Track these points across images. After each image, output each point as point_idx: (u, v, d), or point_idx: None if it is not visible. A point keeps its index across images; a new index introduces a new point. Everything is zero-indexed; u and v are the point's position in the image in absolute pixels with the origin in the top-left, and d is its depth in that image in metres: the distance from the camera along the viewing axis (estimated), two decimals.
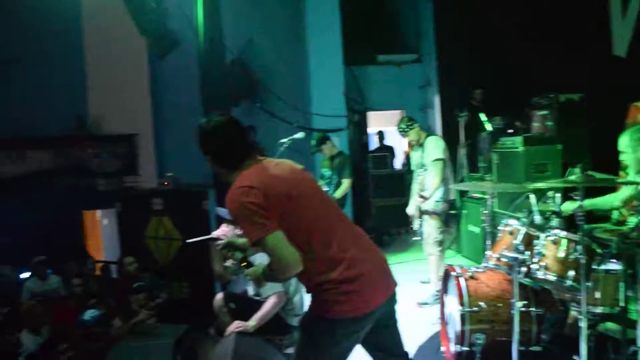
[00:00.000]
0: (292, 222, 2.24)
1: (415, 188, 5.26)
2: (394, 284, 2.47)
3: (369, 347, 2.53)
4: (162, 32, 6.78)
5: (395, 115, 10.31)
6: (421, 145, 5.17)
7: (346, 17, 8.48)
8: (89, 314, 4.78)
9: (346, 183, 6.11)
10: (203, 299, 6.02)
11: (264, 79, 8.87)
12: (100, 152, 8.77)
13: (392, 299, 2.46)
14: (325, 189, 6.23)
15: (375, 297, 2.33)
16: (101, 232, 10.31)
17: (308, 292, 2.43)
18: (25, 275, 6.68)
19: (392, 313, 2.52)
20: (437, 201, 5.04)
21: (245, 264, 2.51)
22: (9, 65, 8.80)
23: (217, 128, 2.41)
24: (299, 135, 6.09)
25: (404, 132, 5.20)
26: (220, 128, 2.42)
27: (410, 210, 5.27)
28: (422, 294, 5.29)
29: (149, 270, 6.12)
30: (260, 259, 3.62)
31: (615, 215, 5.25)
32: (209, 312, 5.74)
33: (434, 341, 4.17)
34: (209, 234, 4.90)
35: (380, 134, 9.64)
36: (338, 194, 6.09)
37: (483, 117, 5.66)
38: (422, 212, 5.13)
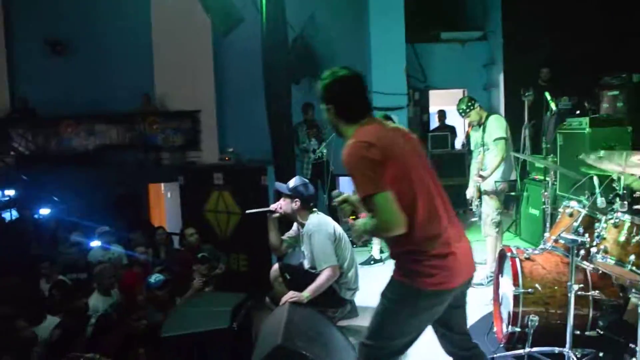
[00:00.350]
0: (401, 186, 2.25)
1: (474, 168, 5.17)
2: (474, 267, 2.51)
3: (436, 323, 2.54)
4: (226, 9, 6.87)
5: (457, 94, 10.10)
6: (482, 125, 5.04)
7: None
8: (154, 278, 5.03)
9: None
10: (259, 271, 6.22)
11: (325, 56, 8.87)
12: (165, 127, 9.08)
13: (469, 281, 2.49)
14: None
15: (460, 275, 2.37)
16: (164, 204, 10.75)
17: (393, 257, 2.47)
18: (94, 243, 7.09)
19: (464, 294, 2.55)
20: (496, 181, 4.93)
21: (354, 217, 2.54)
22: (79, 44, 9.25)
23: (345, 79, 2.44)
24: None
25: (464, 113, 5.07)
26: (348, 79, 2.45)
27: (470, 192, 5.18)
28: (477, 275, 5.23)
29: (209, 242, 6.34)
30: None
31: None
32: (264, 284, 5.94)
33: (487, 321, 4.14)
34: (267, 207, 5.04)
35: (442, 113, 9.46)
36: None
37: (548, 96, 5.45)
38: (481, 193, 5.04)
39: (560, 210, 3.62)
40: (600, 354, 3.39)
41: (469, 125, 5.34)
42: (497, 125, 4.94)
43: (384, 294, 2.47)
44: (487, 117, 5.01)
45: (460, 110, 5.08)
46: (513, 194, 6.37)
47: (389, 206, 2.19)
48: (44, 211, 8.31)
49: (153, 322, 4.58)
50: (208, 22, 7.80)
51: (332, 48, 8.93)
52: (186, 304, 4.28)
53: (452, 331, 2.58)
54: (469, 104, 5.01)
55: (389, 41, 8.28)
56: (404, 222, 2.22)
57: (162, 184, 10.38)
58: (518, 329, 3.52)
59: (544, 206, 4.66)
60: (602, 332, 3.55)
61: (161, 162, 9.17)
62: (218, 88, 8.94)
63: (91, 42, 9.18)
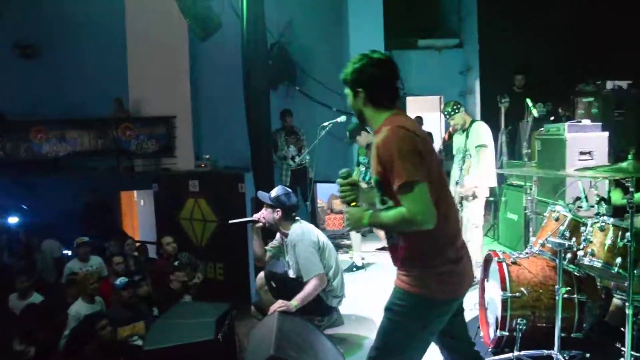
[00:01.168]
0: (431, 183, 2.16)
1: (455, 173, 5.21)
2: (473, 272, 2.50)
3: (440, 334, 2.45)
4: (205, 15, 6.80)
5: (434, 100, 10.21)
6: (465, 130, 5.11)
7: (388, 0, 8.39)
8: (120, 280, 4.96)
9: None
10: (236, 281, 6.14)
11: (303, 62, 8.86)
12: (139, 133, 8.90)
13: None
14: (363, 175, 6.26)
15: (467, 281, 2.35)
16: (137, 212, 10.54)
17: (401, 262, 2.32)
18: (68, 252, 6.88)
19: (462, 301, 2.50)
20: (477, 187, 4.98)
21: (354, 204, 2.36)
22: (51, 48, 9.01)
23: (381, 62, 2.33)
24: (341, 118, 6.10)
25: (449, 115, 5.14)
26: (384, 63, 2.34)
27: None
28: None
29: (185, 250, 6.23)
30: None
31: None
32: (242, 293, 5.86)
33: (473, 326, 4.14)
34: (245, 217, 4.97)
35: (419, 119, 9.53)
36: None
37: (529, 102, 5.53)
38: (462, 198, 5.08)
39: (546, 214, 3.66)
40: (587, 355, 3.43)
41: (452, 129, 5.39)
42: (479, 132, 5.01)
43: (389, 308, 2.35)
44: (471, 123, 5.09)
45: (446, 113, 5.16)
46: (491, 199, 6.43)
47: (426, 197, 2.10)
48: (13, 219, 8.07)
49: (116, 319, 4.54)
50: (185, 26, 7.70)
51: (310, 54, 8.93)
52: (168, 316, 4.16)
53: (456, 339, 2.54)
54: (455, 107, 5.11)
55: (368, 47, 8.28)
56: (436, 218, 2.12)
57: (135, 192, 10.17)
58: (506, 333, 3.53)
59: (526, 211, 4.71)
60: (587, 334, 3.61)
61: (134, 168, 8.98)
62: (194, 94, 8.81)
63: (63, 46, 8.95)
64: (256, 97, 6.30)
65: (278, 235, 4.27)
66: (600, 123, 5.48)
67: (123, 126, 8.78)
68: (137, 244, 7.52)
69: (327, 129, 5.93)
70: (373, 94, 2.33)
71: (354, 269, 6.00)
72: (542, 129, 5.86)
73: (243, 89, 6.34)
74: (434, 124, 10.55)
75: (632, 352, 3.04)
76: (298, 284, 3.87)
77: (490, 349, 3.67)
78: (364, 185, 2.61)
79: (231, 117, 7.63)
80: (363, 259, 6.36)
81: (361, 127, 6.25)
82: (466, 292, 2.38)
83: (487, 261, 3.90)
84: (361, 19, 8.38)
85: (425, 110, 10.31)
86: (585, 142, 5.20)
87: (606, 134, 5.21)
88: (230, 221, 4.38)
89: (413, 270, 2.29)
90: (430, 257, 2.25)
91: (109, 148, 8.88)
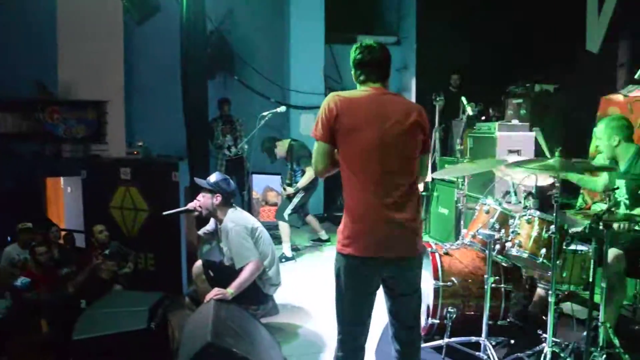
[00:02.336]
0: (343, 150, 2.55)
1: None
2: (408, 250, 2.57)
3: (389, 314, 2.68)
4: None
5: None
6: None
7: None
8: (20, 281, 4.72)
9: (309, 171, 6.14)
10: (168, 271, 6.02)
11: (242, 52, 8.76)
12: (68, 117, 8.50)
13: (403, 264, 2.56)
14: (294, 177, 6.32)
15: (362, 244, 2.51)
16: (64, 200, 10.08)
17: (416, 225, 2.62)
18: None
19: (406, 282, 2.61)
20: None
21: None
22: None
23: (364, 48, 2.70)
24: (281, 109, 6.11)
25: None
26: (365, 48, 2.70)
27: None
28: None
29: (115, 240, 6.04)
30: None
31: (579, 202, 5.46)
32: (173, 283, 5.75)
33: None
34: (179, 206, 4.88)
35: None
36: (301, 183, 6.18)
37: (464, 101, 5.75)
38: None
39: (477, 207, 3.81)
40: (512, 341, 3.61)
41: None
42: None
43: (419, 287, 2.70)
44: None
45: None
46: (424, 193, 6.62)
47: (317, 153, 2.63)
48: None
49: None
50: (120, 8, 7.41)
51: (250, 44, 8.84)
52: (99, 305, 4.01)
53: (403, 325, 2.68)
54: None
55: (308, 40, 8.36)
56: (320, 172, 2.67)
57: (62, 178, 9.71)
58: (437, 321, 3.67)
59: (457, 204, 4.89)
60: (512, 321, 3.81)
61: (61, 154, 8.57)
62: (129, 78, 8.49)
63: None
64: (193, 85, 6.17)
65: (212, 220, 4.23)
66: (528, 123, 5.78)
67: (50, 109, 8.36)
68: (64, 233, 7.20)
69: (267, 118, 5.92)
70: (354, 75, 2.73)
71: (283, 259, 6.02)
72: (474, 127, 6.11)
73: (180, 76, 6.19)
74: None
75: (553, 339, 3.22)
76: (235, 272, 3.84)
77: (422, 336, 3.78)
78: (291, 191, 2.91)
79: (167, 104, 7.45)
80: (297, 249, 6.40)
81: (271, 142, 6.34)
82: (380, 260, 2.53)
83: None
84: (302, 12, 8.40)
85: None
86: (514, 140, 5.47)
87: (533, 133, 5.50)
88: (165, 212, 4.30)
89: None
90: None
91: (35, 132, 8.42)
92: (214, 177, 4.11)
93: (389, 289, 2.62)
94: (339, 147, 2.56)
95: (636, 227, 3.36)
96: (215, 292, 3.62)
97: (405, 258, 2.56)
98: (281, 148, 6.32)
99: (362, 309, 2.61)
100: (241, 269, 3.82)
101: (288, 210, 6.13)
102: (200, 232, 4.29)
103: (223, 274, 3.95)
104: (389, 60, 2.73)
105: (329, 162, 2.60)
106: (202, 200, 4.08)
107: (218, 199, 4.03)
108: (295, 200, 6.16)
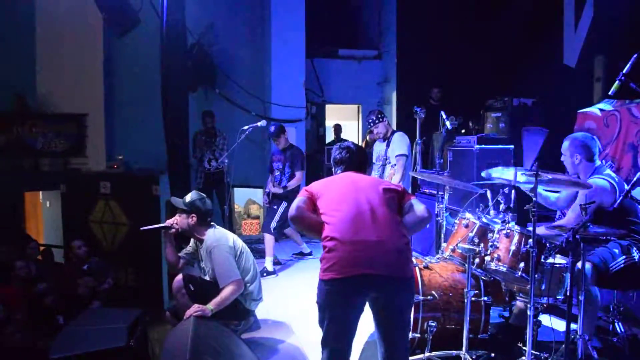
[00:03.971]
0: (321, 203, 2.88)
1: None
2: (391, 270, 2.70)
3: (378, 336, 2.82)
4: (122, 10, 6.55)
5: (352, 109, 10.43)
6: (386, 139, 5.35)
7: (310, 8, 8.51)
8: None
9: (298, 175, 6.17)
10: (149, 286, 5.96)
11: (224, 65, 8.76)
12: (46, 131, 8.41)
13: (387, 287, 2.70)
14: (278, 180, 6.28)
15: (337, 268, 2.66)
16: (42, 214, 9.93)
17: (403, 251, 2.81)
18: None
19: (392, 305, 2.75)
20: None
21: None
22: None
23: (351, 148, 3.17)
24: (261, 123, 6.10)
25: (373, 123, 5.38)
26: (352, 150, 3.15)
27: None
28: None
29: (95, 255, 5.97)
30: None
31: (557, 214, 5.53)
32: (155, 298, 5.69)
33: None
34: (159, 220, 4.85)
35: (338, 127, 9.72)
36: (291, 184, 6.15)
37: (443, 115, 5.82)
38: None
39: (456, 221, 3.84)
40: (492, 355, 3.63)
41: (370, 137, 5.58)
42: (401, 142, 5.25)
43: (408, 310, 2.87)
44: (392, 133, 5.34)
45: (370, 120, 5.39)
46: None
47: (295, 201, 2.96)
48: None
49: None
50: (100, 20, 7.38)
51: (231, 57, 8.85)
52: (77, 322, 3.95)
53: (379, 335, 2.83)
54: (379, 116, 5.38)
55: (289, 54, 8.40)
56: (295, 213, 2.90)
57: (41, 192, 9.58)
58: (418, 335, 3.66)
59: (438, 218, 4.91)
60: (493, 335, 3.82)
61: (40, 168, 8.46)
62: (109, 91, 8.44)
63: None
64: (174, 99, 6.16)
65: (192, 241, 4.20)
66: (506, 137, 5.86)
67: (29, 123, 8.26)
68: (42, 248, 7.10)
69: (247, 132, 5.92)
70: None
71: (265, 274, 5.98)
72: (454, 140, 6.16)
73: (160, 89, 6.17)
74: (352, 132, 10.78)
75: (532, 351, 3.25)
76: (216, 287, 3.82)
77: None
78: (279, 190, 3.03)
79: (148, 117, 7.40)
80: (279, 264, 6.37)
81: (284, 129, 6.30)
82: (360, 280, 2.67)
83: None
84: (284, 25, 8.44)
85: (344, 119, 10.52)
86: (493, 154, 5.53)
87: (512, 147, 5.57)
88: (142, 227, 4.25)
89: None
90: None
91: (13, 145, 8.31)
92: (189, 197, 4.08)
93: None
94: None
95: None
96: (195, 309, 3.59)
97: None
98: (286, 141, 6.27)
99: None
100: (223, 287, 3.80)
101: (274, 223, 6.10)
102: (181, 253, 4.24)
103: (204, 288, 3.91)
104: (366, 158, 3.27)
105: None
106: (179, 220, 4.06)
107: (194, 219, 4.01)
108: (281, 210, 6.13)
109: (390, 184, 3.06)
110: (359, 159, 3.13)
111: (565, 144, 3.86)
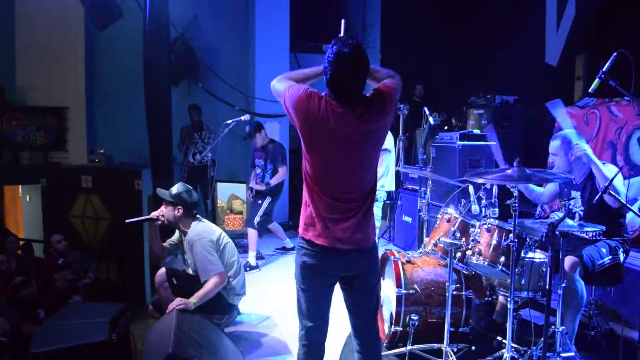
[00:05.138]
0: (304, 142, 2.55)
1: None
2: (354, 241, 2.54)
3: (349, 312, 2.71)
4: (104, 1, 6.46)
5: None
6: None
7: (294, 3, 8.49)
8: None
9: (281, 170, 6.16)
10: (131, 281, 5.92)
11: (207, 59, 8.71)
12: (26, 124, 8.29)
13: (354, 259, 2.55)
14: (260, 177, 6.27)
15: (324, 236, 2.52)
16: (22, 208, 9.80)
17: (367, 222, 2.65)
18: None
19: (360, 276, 2.60)
20: (378, 190, 5.17)
21: None
22: None
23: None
24: (245, 117, 6.08)
25: None
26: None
27: None
28: None
29: (77, 249, 5.91)
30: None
31: (538, 211, 5.61)
32: (138, 294, 5.65)
33: None
34: (142, 214, 4.82)
35: None
36: (273, 181, 6.14)
37: (427, 111, 5.87)
38: None
39: (439, 216, 3.88)
40: (473, 348, 3.68)
41: None
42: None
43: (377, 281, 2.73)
44: None
45: None
46: (389, 202, 6.69)
47: None
48: None
49: None
50: (82, 12, 7.28)
51: (215, 51, 8.79)
52: (58, 317, 3.91)
53: (356, 327, 2.73)
54: None
55: (273, 48, 8.37)
56: None
57: (20, 186, 9.45)
58: (400, 328, 3.70)
59: (420, 213, 4.96)
60: (473, 329, 3.88)
61: (20, 161, 8.35)
62: (90, 85, 8.34)
63: None
64: (157, 92, 6.09)
65: (177, 232, 4.19)
66: (488, 134, 5.91)
67: (8, 115, 8.14)
68: (22, 243, 7.01)
69: (230, 126, 5.89)
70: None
71: (247, 268, 5.98)
72: (437, 136, 6.22)
73: (143, 82, 6.11)
74: None
75: (513, 344, 3.30)
76: (199, 281, 3.81)
77: (385, 344, 3.82)
78: (262, 187, 2.82)
79: (130, 111, 7.33)
80: (261, 258, 6.38)
81: (261, 125, 6.27)
82: (333, 251, 2.53)
83: (384, 260, 4.07)
84: (268, 20, 8.41)
85: None
86: (475, 150, 5.59)
87: (494, 143, 5.62)
88: (127, 220, 4.23)
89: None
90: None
91: None
92: (175, 189, 4.06)
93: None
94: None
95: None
96: (177, 302, 3.58)
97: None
98: (264, 138, 6.22)
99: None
100: (205, 281, 3.79)
101: (257, 218, 6.09)
102: (166, 243, 4.23)
103: (187, 282, 3.91)
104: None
105: None
106: (165, 212, 4.04)
107: (180, 211, 4.00)
108: (265, 205, 6.12)
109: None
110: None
111: (556, 142, 3.83)
